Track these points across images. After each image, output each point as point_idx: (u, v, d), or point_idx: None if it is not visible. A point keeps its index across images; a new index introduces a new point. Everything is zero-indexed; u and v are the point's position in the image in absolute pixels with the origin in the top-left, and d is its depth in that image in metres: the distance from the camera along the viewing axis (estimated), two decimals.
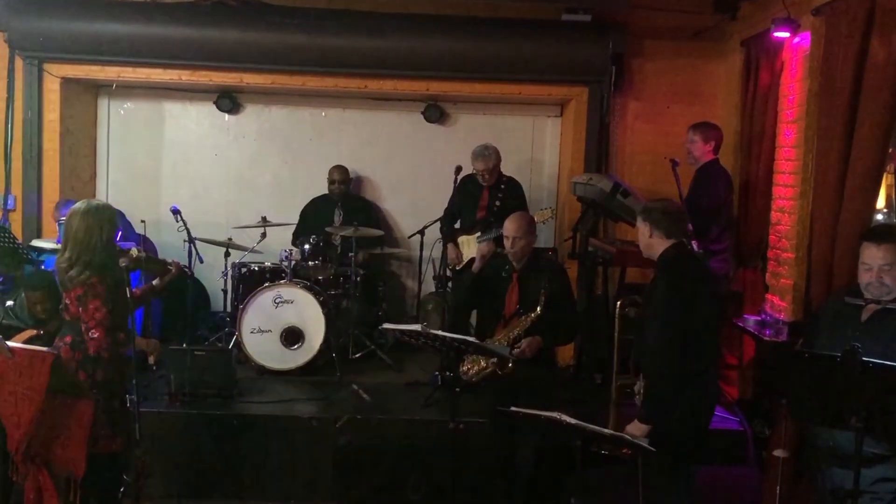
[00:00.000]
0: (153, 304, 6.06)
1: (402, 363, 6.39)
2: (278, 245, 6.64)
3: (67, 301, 3.91)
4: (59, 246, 5.74)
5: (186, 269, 5.80)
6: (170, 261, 4.42)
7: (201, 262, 6.36)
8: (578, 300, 6.34)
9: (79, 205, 3.98)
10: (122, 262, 3.80)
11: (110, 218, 3.97)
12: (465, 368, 4.63)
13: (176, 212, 6.12)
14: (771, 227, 5.49)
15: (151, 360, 4.32)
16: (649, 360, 3.85)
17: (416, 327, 3.97)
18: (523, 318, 4.46)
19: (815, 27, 4.92)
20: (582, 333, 6.05)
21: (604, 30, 6.54)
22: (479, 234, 6.19)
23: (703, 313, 3.77)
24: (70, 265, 3.85)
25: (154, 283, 4.34)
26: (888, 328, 3.29)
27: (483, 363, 4.55)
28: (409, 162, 7.56)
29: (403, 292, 7.66)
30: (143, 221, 6.33)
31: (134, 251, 4.12)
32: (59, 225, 5.89)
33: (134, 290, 4.15)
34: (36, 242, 6.15)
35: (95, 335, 3.78)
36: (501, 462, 4.64)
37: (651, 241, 3.93)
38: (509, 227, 4.67)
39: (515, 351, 4.49)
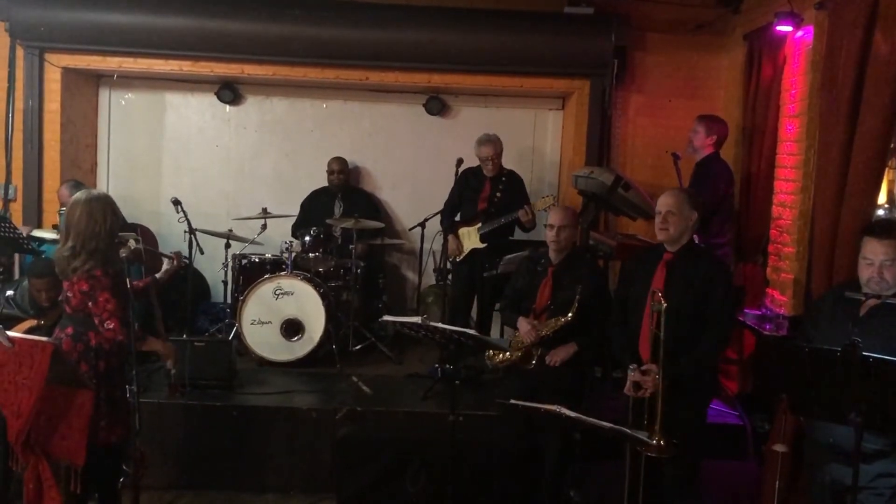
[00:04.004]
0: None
1: (402, 355, 6.40)
2: (279, 236, 6.64)
3: (70, 294, 3.89)
4: (58, 236, 5.78)
5: (186, 260, 5.79)
6: (170, 253, 4.41)
7: (202, 253, 6.36)
8: None
9: (79, 194, 3.96)
10: (123, 253, 3.79)
11: (112, 207, 3.95)
12: (490, 353, 4.61)
13: (176, 203, 6.12)
14: (772, 221, 5.49)
15: (169, 364, 4.25)
16: (717, 342, 3.97)
17: (417, 319, 3.97)
18: (553, 320, 4.42)
19: (818, 21, 4.90)
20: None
21: (606, 23, 6.53)
22: (479, 225, 6.18)
23: None
24: (73, 254, 3.82)
25: (157, 275, 4.34)
26: (887, 323, 3.28)
27: (509, 354, 4.51)
28: (410, 154, 7.55)
29: (404, 284, 7.67)
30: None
31: (132, 242, 4.10)
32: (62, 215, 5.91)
33: (136, 282, 4.16)
34: (36, 232, 6.15)
35: (111, 325, 3.78)
36: (521, 455, 4.59)
37: (689, 229, 3.99)
38: (555, 216, 4.60)
39: (547, 358, 4.46)
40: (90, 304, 3.81)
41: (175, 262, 4.36)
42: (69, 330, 3.90)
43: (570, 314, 4.34)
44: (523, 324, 4.53)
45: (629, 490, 3.83)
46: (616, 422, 3.41)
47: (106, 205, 3.91)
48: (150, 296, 4.32)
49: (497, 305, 5.72)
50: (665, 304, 3.68)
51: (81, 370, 3.81)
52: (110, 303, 3.78)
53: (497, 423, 4.84)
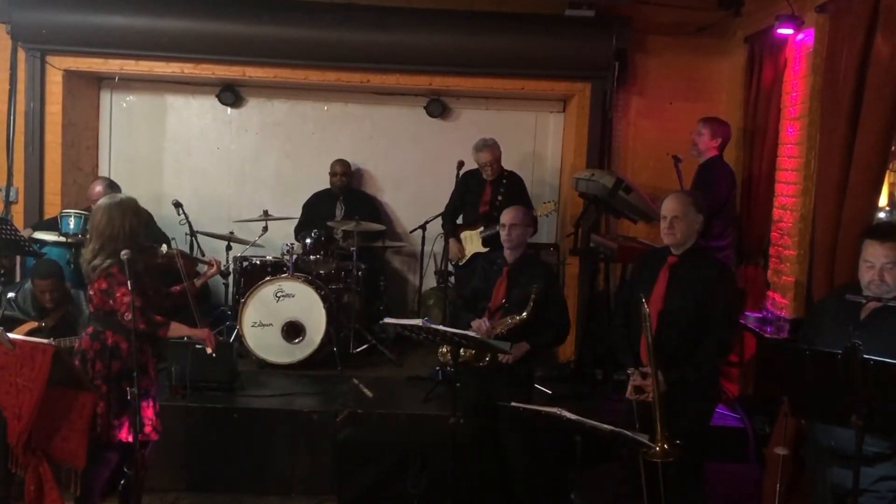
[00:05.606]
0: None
1: (403, 357, 6.40)
2: (280, 239, 6.65)
3: (91, 292, 4.03)
4: (60, 238, 5.80)
5: (227, 267, 5.83)
6: (208, 258, 4.47)
7: (203, 255, 6.37)
8: (580, 296, 6.35)
9: (104, 199, 4.11)
10: (123, 255, 3.80)
11: (133, 209, 4.07)
12: (442, 351, 4.61)
13: (178, 205, 6.13)
14: (773, 224, 5.49)
15: (210, 350, 4.40)
16: (720, 345, 3.97)
17: (417, 322, 3.96)
18: (508, 318, 4.42)
19: (819, 24, 4.91)
20: (583, 329, 6.06)
21: (607, 25, 6.52)
22: (481, 228, 6.19)
23: None
24: (94, 256, 3.97)
25: (194, 280, 4.42)
26: (888, 326, 3.27)
27: (462, 352, 4.50)
28: (411, 157, 7.55)
29: (405, 287, 7.67)
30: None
31: (164, 247, 4.17)
32: (63, 217, 5.91)
33: (173, 288, 4.36)
34: (37, 234, 6.15)
35: (129, 317, 3.85)
36: (489, 458, 4.58)
37: (694, 233, 4.00)
38: (506, 215, 4.63)
39: (500, 356, 4.45)
40: (110, 301, 3.94)
41: (214, 268, 4.52)
42: (90, 329, 4.06)
43: (524, 313, 4.34)
44: (476, 322, 4.51)
45: (648, 493, 3.81)
46: (617, 424, 3.41)
47: (126, 208, 4.04)
48: (183, 300, 4.41)
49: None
50: (649, 310, 3.73)
51: (86, 370, 3.87)
52: (126, 296, 3.85)
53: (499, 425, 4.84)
